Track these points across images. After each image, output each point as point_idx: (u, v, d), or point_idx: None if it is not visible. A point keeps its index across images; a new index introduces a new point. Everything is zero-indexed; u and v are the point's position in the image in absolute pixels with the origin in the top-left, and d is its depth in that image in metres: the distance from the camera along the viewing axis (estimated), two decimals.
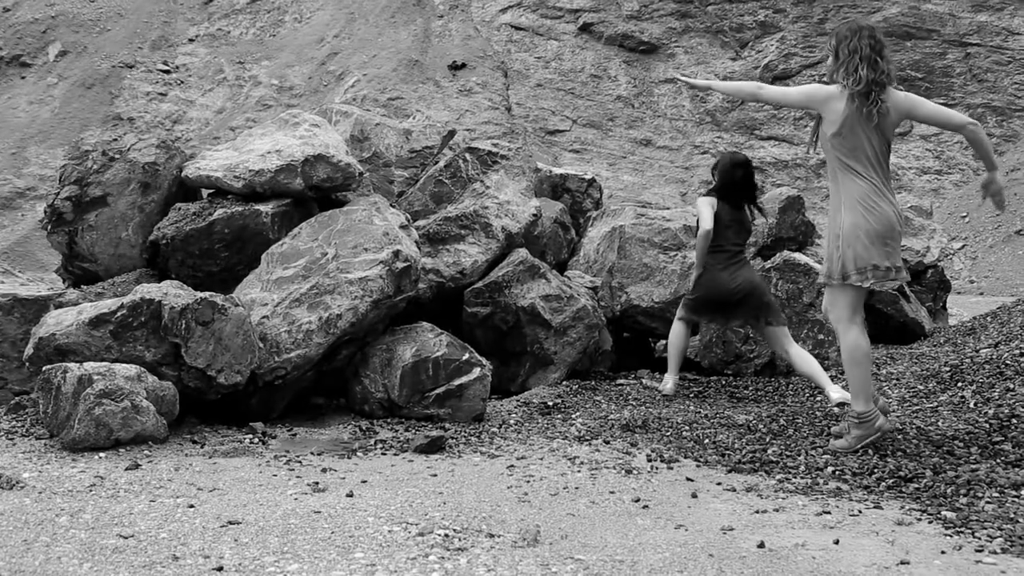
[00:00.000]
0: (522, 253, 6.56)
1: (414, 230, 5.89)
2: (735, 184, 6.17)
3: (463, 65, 30.57)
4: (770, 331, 5.99)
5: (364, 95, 28.34)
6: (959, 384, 5.44)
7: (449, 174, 6.85)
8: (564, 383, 6.39)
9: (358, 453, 4.47)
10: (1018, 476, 3.83)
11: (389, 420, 5.26)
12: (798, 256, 7.21)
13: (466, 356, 5.39)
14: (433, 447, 4.51)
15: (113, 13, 33.25)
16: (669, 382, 6.21)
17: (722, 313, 6.15)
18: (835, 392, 5.29)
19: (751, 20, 34.87)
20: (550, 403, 5.76)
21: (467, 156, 6.91)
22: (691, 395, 6.25)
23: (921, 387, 5.65)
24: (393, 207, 5.98)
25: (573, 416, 5.46)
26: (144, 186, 5.96)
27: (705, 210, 6.07)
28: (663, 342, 7.71)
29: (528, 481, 3.95)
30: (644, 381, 6.67)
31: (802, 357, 5.78)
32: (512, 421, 5.34)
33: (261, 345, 4.97)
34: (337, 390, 5.61)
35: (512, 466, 4.22)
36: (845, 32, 4.51)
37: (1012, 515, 3.36)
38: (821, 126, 4.54)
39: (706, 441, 4.75)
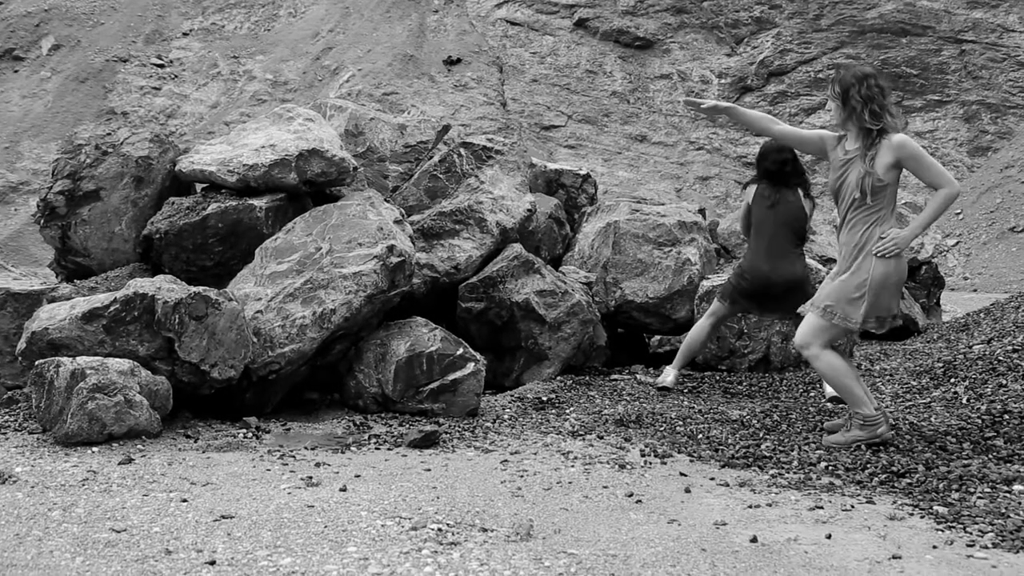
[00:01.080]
0: (516, 248, 6.56)
1: (408, 225, 5.88)
2: (772, 171, 6.03)
3: (458, 60, 30.54)
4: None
5: (359, 90, 28.31)
6: (952, 380, 5.46)
7: (444, 169, 6.84)
8: (558, 378, 6.39)
9: (352, 448, 4.47)
10: (1010, 471, 3.85)
11: (383, 415, 5.26)
12: None
13: (460, 351, 5.39)
14: (427, 442, 4.51)
15: (107, 7, 33.15)
16: (670, 375, 6.18)
17: (758, 305, 6.02)
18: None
19: (746, 16, 34.89)
20: (544, 398, 5.77)
21: (462, 151, 6.90)
22: (685, 390, 6.26)
23: (914, 383, 5.66)
24: (387, 202, 5.98)
25: (567, 411, 5.46)
26: (137, 180, 5.94)
27: (745, 199, 6.06)
28: (657, 337, 7.72)
29: (522, 476, 3.95)
30: (638, 376, 6.68)
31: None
32: (506, 416, 5.34)
33: (255, 340, 4.96)
34: (331, 385, 5.61)
35: (506, 461, 4.22)
36: (851, 79, 4.42)
37: (1003, 510, 3.37)
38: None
39: (700, 436, 4.76)
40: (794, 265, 5.93)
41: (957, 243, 27.42)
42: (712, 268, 7.87)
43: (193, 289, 4.74)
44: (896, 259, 4.38)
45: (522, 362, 6.44)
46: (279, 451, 4.31)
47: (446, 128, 7.59)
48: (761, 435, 4.77)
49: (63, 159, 6.04)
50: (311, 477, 3.78)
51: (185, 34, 33.16)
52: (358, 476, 3.88)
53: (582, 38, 35.68)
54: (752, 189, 6.10)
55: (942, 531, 3.21)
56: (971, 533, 3.16)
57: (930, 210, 4.36)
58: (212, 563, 2.74)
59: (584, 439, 4.73)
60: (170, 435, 4.53)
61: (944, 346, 6.93)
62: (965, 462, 4.02)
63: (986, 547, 3.02)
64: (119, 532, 3.01)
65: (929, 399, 5.24)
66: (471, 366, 5.34)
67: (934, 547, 3.01)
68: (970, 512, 3.37)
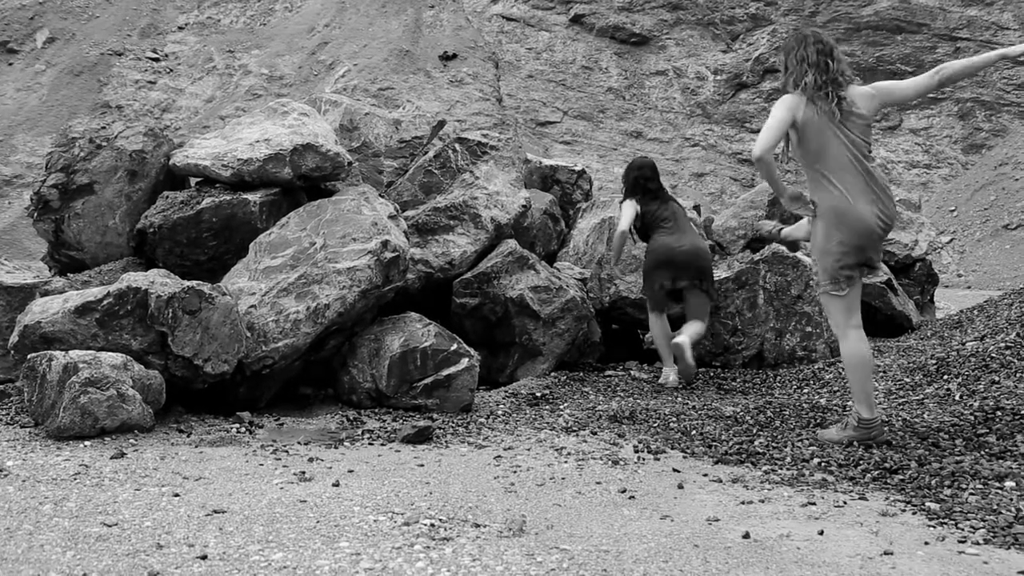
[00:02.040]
0: (511, 244, 6.56)
1: (403, 220, 5.88)
2: (643, 183, 6.64)
3: (454, 56, 30.50)
4: (700, 299, 6.34)
5: (354, 85, 28.27)
6: (945, 377, 5.46)
7: (439, 164, 6.83)
8: (552, 374, 6.39)
9: (345, 443, 4.47)
10: (1002, 468, 3.85)
11: (377, 410, 5.25)
12: (786, 249, 7.23)
13: (454, 347, 5.38)
14: (420, 437, 4.51)
15: (101, 0, 33.04)
16: (671, 375, 6.30)
17: (669, 274, 6.34)
18: (668, 370, 6.27)
19: (742, 12, 34.90)
20: (538, 394, 5.77)
21: (457, 146, 6.89)
22: (679, 386, 6.26)
23: (907, 380, 5.67)
24: (382, 197, 5.97)
25: (561, 407, 5.46)
26: (131, 174, 5.92)
27: (625, 211, 6.57)
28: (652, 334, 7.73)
29: (515, 471, 3.95)
30: (632, 372, 6.69)
31: (682, 332, 6.30)
32: (500, 412, 5.34)
33: (248, 334, 4.95)
34: (325, 380, 5.60)
35: (499, 456, 4.22)
36: (792, 43, 4.50)
37: (995, 506, 3.37)
38: (791, 136, 4.47)
39: (693, 432, 4.76)
40: (695, 237, 6.57)
41: (951, 240, 27.49)
42: None
43: (186, 283, 4.73)
44: (839, 219, 4.30)
45: (516, 358, 6.43)
46: (272, 446, 4.30)
47: (441, 123, 7.58)
48: (754, 431, 4.77)
49: (57, 152, 6.02)
50: (304, 472, 3.78)
51: (180, 28, 33.07)
52: (351, 471, 3.87)
53: (578, 34, 35.66)
54: (632, 204, 6.61)
55: (934, 527, 3.21)
56: (963, 529, 3.17)
57: None
58: (203, 557, 2.74)
59: (578, 435, 4.73)
60: (163, 429, 4.52)
61: (937, 343, 6.94)
62: (957, 458, 4.02)
63: (978, 543, 3.02)
64: (110, 526, 3.00)
65: (922, 396, 5.25)
66: (465, 362, 5.34)
67: (926, 543, 3.02)
68: (962, 508, 3.38)
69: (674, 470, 4.04)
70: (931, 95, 33.03)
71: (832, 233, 4.34)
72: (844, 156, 4.33)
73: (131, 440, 4.25)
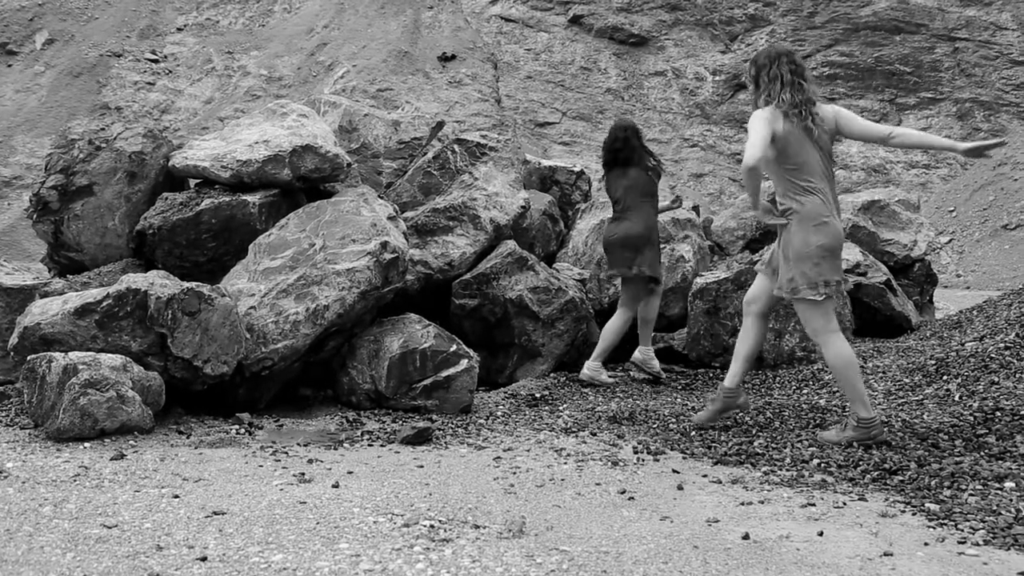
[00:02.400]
0: (510, 245, 6.56)
1: (402, 221, 5.87)
2: (609, 143, 6.57)
3: (453, 57, 30.51)
4: (632, 286, 6.36)
5: (353, 86, 28.26)
6: (944, 377, 5.46)
7: (438, 165, 6.83)
8: (552, 375, 6.39)
9: (345, 444, 4.47)
10: (1001, 468, 3.85)
11: (376, 411, 5.25)
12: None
13: (453, 348, 5.38)
14: (420, 438, 4.51)
15: (101, 1, 33.05)
16: (636, 353, 6.46)
17: (608, 257, 6.48)
18: (637, 351, 6.45)
19: (741, 13, 34.91)
20: (537, 395, 5.77)
21: (456, 147, 6.89)
22: (678, 387, 6.27)
23: (907, 380, 5.67)
24: (381, 198, 5.97)
25: (560, 408, 5.46)
26: (131, 175, 5.92)
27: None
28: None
29: (514, 473, 3.95)
30: (632, 373, 6.68)
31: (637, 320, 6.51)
32: (499, 413, 5.34)
33: (248, 336, 4.95)
34: (324, 381, 5.60)
35: (499, 458, 4.22)
36: (764, 60, 4.57)
37: (995, 507, 3.38)
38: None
39: (692, 433, 4.77)
40: (628, 223, 6.40)
41: (950, 240, 27.49)
42: (706, 265, 7.88)
43: (186, 285, 4.73)
44: (816, 226, 4.37)
45: (515, 359, 6.43)
46: (272, 447, 4.30)
47: (440, 124, 7.58)
48: (754, 432, 4.77)
49: (56, 154, 6.02)
50: (303, 473, 3.78)
51: (179, 29, 33.08)
52: (351, 472, 3.87)
53: (577, 35, 35.68)
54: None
55: (934, 528, 3.21)
56: (962, 530, 3.17)
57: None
58: (203, 559, 2.74)
59: (577, 436, 4.73)
60: (162, 431, 4.51)
61: (937, 343, 6.94)
62: (957, 459, 4.02)
63: (977, 544, 3.02)
64: (110, 528, 3.00)
65: (922, 396, 5.25)
66: (464, 363, 5.34)
67: (925, 544, 3.02)
68: (962, 509, 3.38)
69: (673, 471, 4.04)
70: (929, 94, 33.05)
71: (811, 238, 4.40)
72: (821, 169, 4.47)
73: (131, 441, 4.25)
